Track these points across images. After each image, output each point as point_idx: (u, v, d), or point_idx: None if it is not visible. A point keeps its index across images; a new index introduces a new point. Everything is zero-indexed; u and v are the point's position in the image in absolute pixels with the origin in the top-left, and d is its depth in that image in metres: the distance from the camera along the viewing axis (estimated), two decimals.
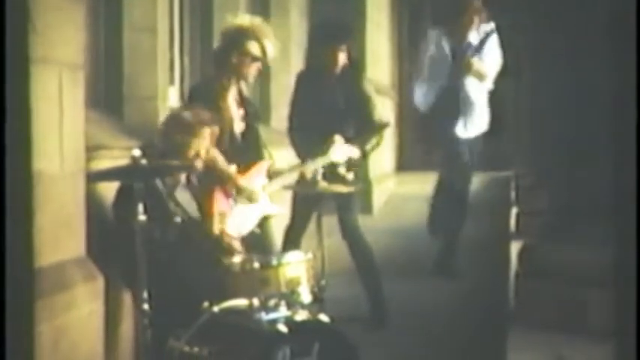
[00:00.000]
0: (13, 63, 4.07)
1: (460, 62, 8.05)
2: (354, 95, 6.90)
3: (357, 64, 7.13)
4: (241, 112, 6.00)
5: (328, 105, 6.81)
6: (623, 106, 3.57)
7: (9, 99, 4.03)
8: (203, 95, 5.89)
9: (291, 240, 6.86)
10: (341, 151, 6.50)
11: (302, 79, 7.09)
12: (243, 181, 5.88)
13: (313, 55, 6.94)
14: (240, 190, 5.83)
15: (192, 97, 6.08)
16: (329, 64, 6.81)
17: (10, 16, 4.03)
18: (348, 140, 6.67)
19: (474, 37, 8.13)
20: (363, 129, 6.87)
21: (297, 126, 6.99)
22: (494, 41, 8.20)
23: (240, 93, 6.05)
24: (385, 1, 13.57)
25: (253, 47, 5.88)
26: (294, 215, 6.97)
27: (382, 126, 7.02)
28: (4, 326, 3.93)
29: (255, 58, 5.92)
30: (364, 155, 6.86)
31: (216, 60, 6.03)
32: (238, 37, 5.90)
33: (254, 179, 5.97)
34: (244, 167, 5.95)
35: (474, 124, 8.19)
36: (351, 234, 6.92)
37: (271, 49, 5.96)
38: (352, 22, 11.00)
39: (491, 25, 8.20)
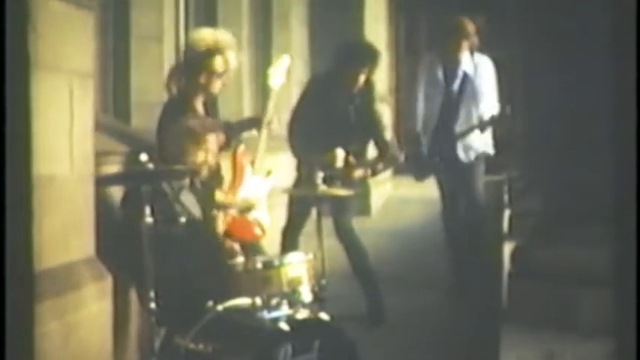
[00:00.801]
0: (14, 67, 4.04)
1: (453, 87, 7.80)
2: (366, 113, 6.93)
3: (372, 84, 7.10)
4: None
5: (339, 118, 6.82)
6: (622, 107, 3.52)
7: (9, 103, 4.01)
8: (174, 115, 5.65)
9: (289, 240, 6.86)
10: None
11: (314, 87, 7.08)
12: (238, 194, 5.82)
13: (335, 71, 6.91)
14: (239, 204, 5.74)
15: (164, 117, 5.75)
16: (350, 83, 6.83)
17: (10, 20, 4.01)
18: (354, 155, 6.69)
19: (467, 65, 7.83)
20: (372, 147, 6.94)
21: (299, 131, 6.96)
22: (489, 72, 7.94)
23: (205, 107, 5.87)
24: (383, 11, 13.57)
25: (218, 63, 5.71)
26: (291, 215, 6.95)
27: (393, 158, 7.03)
28: (4, 327, 3.91)
29: (220, 74, 5.76)
30: (373, 174, 6.88)
31: (183, 80, 5.79)
32: (206, 57, 5.70)
33: (246, 184, 5.91)
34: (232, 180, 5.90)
35: (473, 148, 7.89)
36: (345, 236, 6.89)
37: (234, 60, 5.81)
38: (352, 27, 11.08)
39: (486, 59, 7.95)
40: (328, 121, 6.80)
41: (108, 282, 4.91)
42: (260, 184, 5.90)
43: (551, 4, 6.64)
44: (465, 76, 7.83)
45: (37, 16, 4.19)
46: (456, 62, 7.82)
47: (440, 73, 7.86)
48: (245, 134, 6.16)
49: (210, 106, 5.99)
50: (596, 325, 5.76)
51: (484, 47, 8.21)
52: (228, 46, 5.76)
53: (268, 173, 6.00)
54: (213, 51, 5.70)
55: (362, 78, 6.85)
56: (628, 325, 3.44)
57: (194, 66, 5.72)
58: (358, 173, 6.82)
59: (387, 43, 14.40)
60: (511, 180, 11.74)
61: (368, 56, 6.97)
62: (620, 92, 3.57)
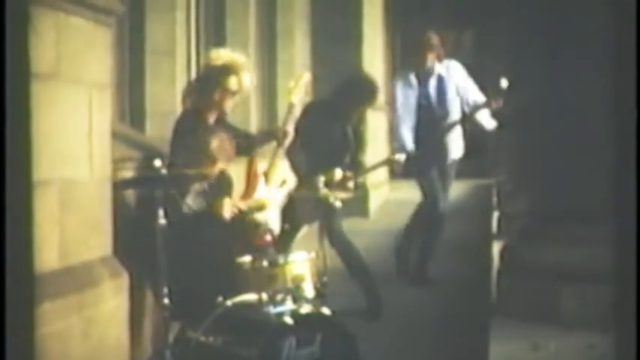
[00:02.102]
0: (14, 76, 4.00)
1: (429, 90, 7.86)
2: (356, 130, 6.99)
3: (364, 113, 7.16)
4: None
5: (330, 139, 6.84)
6: (622, 108, 3.44)
7: (9, 110, 3.97)
8: (186, 131, 5.58)
9: (283, 246, 6.79)
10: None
11: (312, 110, 7.06)
12: (250, 200, 5.80)
13: (335, 102, 6.92)
14: (251, 209, 5.71)
15: (178, 130, 5.68)
16: (346, 115, 6.91)
17: (10, 26, 3.96)
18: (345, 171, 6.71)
19: (439, 69, 7.88)
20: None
21: (300, 150, 6.93)
22: (460, 70, 8.00)
23: (217, 122, 5.81)
24: (380, 24, 13.59)
25: (233, 82, 5.67)
26: (285, 223, 6.87)
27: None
28: (5, 329, 3.89)
29: (234, 92, 5.73)
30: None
31: (198, 94, 5.75)
32: (221, 74, 5.67)
33: (258, 194, 5.89)
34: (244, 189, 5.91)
35: (451, 152, 7.92)
36: (337, 240, 6.76)
37: (248, 81, 5.78)
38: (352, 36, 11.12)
39: (454, 61, 8.01)
40: (321, 141, 6.80)
41: (124, 279, 4.93)
42: (273, 194, 5.87)
43: (549, 3, 6.55)
44: (440, 78, 7.88)
45: (58, 31, 4.23)
46: (427, 70, 7.87)
47: (414, 82, 7.89)
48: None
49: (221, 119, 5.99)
50: (578, 318, 5.79)
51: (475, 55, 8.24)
52: (243, 67, 5.74)
53: (283, 183, 5.99)
54: (228, 69, 5.67)
55: (359, 111, 6.95)
56: (628, 323, 3.37)
57: (210, 82, 5.68)
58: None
59: (384, 56, 14.42)
60: (499, 183, 11.75)
61: (369, 95, 7.03)
62: (620, 93, 3.48)
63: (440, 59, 7.92)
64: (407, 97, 7.90)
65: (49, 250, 4.20)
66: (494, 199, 11.43)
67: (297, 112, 6.25)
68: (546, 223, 6.34)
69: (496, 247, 7.63)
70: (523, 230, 6.71)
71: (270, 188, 5.89)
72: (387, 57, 15.11)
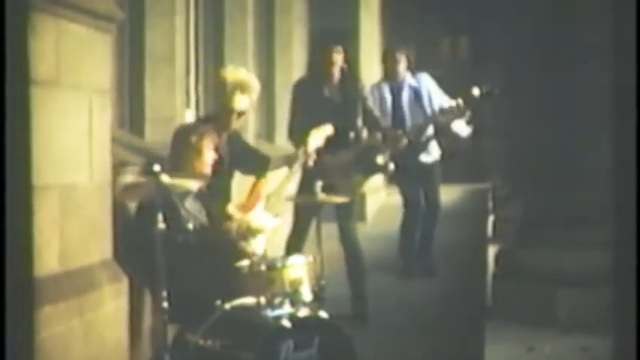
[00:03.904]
0: (15, 82, 3.97)
1: (402, 98, 8.08)
2: (352, 97, 6.87)
3: (353, 72, 7.05)
4: (215, 157, 5.56)
5: (326, 103, 6.78)
6: (622, 109, 3.40)
7: (9, 116, 3.96)
8: (185, 139, 5.53)
9: (294, 246, 6.78)
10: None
11: (301, 89, 7.00)
12: (251, 219, 5.75)
13: (313, 61, 6.95)
14: (251, 231, 5.65)
15: (176, 140, 5.61)
16: (327, 66, 6.77)
17: (10, 32, 3.94)
18: (344, 133, 6.65)
19: (410, 80, 8.16)
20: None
21: (297, 126, 6.86)
22: (431, 81, 8.22)
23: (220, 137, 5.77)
24: (377, 30, 13.60)
25: (243, 102, 5.73)
26: (296, 222, 6.90)
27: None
28: (5, 332, 3.88)
29: (240, 114, 5.78)
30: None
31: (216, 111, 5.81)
32: (233, 92, 5.71)
33: (255, 213, 5.85)
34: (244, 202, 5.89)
35: (432, 154, 8.15)
36: (348, 239, 6.84)
37: (255, 97, 5.87)
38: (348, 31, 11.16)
39: (425, 74, 8.25)
40: (317, 109, 6.71)
41: (124, 283, 4.93)
42: (267, 220, 5.82)
43: (546, 5, 6.53)
44: (412, 89, 8.12)
45: (58, 38, 4.23)
46: (399, 83, 8.13)
47: (388, 94, 8.10)
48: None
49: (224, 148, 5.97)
50: (573, 321, 5.79)
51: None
52: (252, 87, 5.80)
53: (277, 214, 5.95)
54: (241, 87, 5.73)
55: (337, 58, 6.77)
56: (628, 324, 3.35)
57: (224, 103, 5.74)
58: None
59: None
60: (495, 188, 11.76)
61: (334, 35, 7.07)
62: (620, 93, 3.44)
63: (412, 72, 8.21)
64: (383, 105, 8.04)
65: (50, 255, 4.20)
66: (490, 204, 11.44)
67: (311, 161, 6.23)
68: (541, 228, 6.34)
69: (491, 251, 7.64)
70: (518, 234, 6.72)
71: (266, 213, 5.85)
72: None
